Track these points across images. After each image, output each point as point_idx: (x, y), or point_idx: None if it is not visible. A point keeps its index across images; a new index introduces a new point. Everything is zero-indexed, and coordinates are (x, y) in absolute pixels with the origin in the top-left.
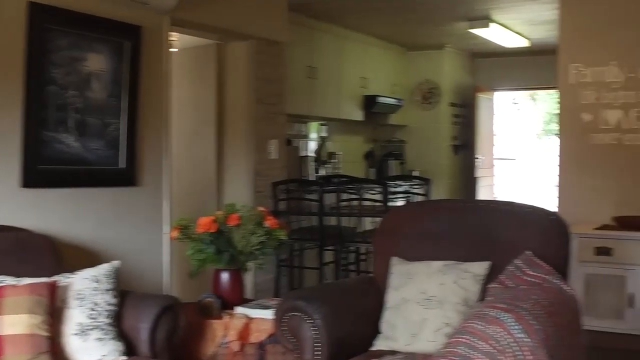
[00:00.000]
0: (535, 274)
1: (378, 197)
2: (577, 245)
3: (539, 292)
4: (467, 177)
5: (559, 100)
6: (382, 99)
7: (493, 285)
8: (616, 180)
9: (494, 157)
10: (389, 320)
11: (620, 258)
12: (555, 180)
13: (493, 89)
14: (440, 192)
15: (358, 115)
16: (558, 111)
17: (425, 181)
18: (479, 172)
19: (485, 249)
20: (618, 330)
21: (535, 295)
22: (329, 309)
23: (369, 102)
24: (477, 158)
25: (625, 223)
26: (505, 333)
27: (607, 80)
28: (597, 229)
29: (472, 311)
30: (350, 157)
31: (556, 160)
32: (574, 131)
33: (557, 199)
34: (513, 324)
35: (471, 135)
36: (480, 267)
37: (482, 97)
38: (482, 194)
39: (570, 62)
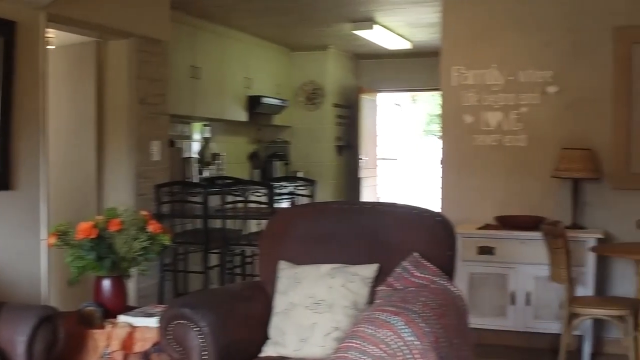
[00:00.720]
0: (422, 275)
1: (263, 199)
2: (461, 245)
3: (427, 294)
4: (351, 177)
5: (441, 101)
6: (266, 100)
7: (381, 287)
8: (497, 181)
9: (377, 157)
10: (277, 325)
11: (502, 257)
12: (438, 180)
13: (376, 90)
14: (325, 192)
15: (242, 115)
16: (440, 112)
17: (310, 182)
18: (363, 173)
19: (373, 251)
20: (501, 328)
21: (423, 297)
22: (215, 316)
23: (253, 103)
24: (360, 158)
25: (507, 222)
26: (396, 336)
27: (487, 82)
28: (479, 228)
29: (362, 315)
30: (234, 159)
31: (438, 161)
32: (456, 132)
33: (440, 199)
34: (403, 327)
35: (355, 136)
36: (369, 270)
37: (365, 98)
38: (366, 195)
39: (452, 64)
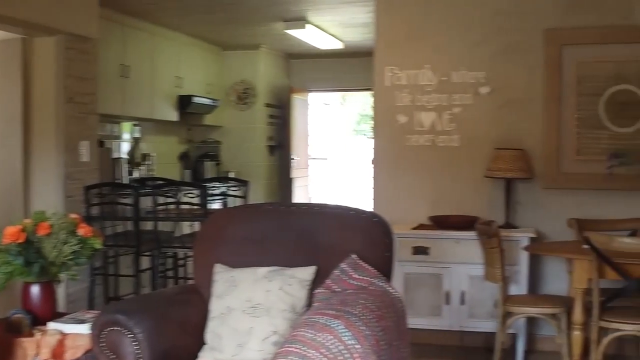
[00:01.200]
0: (361, 277)
1: (196, 200)
2: (398, 245)
3: (366, 296)
4: (283, 177)
5: (374, 101)
6: (197, 99)
7: (320, 290)
8: (431, 181)
9: (309, 157)
10: (214, 330)
11: (436, 257)
12: (369, 180)
13: (308, 89)
14: (257, 193)
15: (172, 115)
16: (372, 112)
17: (242, 183)
18: (295, 173)
19: (311, 253)
20: (436, 327)
21: (363, 300)
22: (150, 322)
23: (184, 102)
24: (292, 158)
25: (441, 222)
26: (336, 340)
27: (421, 83)
28: (414, 228)
29: (301, 319)
30: (164, 159)
31: (369, 161)
32: (389, 132)
33: (372, 199)
34: (343, 330)
35: (286, 136)
36: (306, 272)
37: (297, 98)
38: (298, 195)
39: (385, 64)
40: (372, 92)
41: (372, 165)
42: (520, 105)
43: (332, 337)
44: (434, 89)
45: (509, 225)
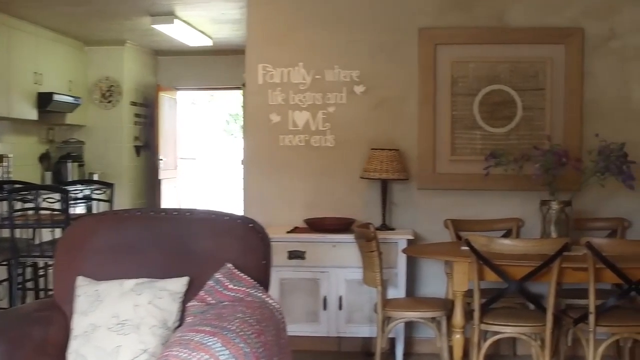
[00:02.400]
0: (237, 287)
1: (57, 205)
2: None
3: (243, 309)
4: (150, 178)
5: (246, 100)
6: (58, 97)
7: (193, 303)
8: (306, 182)
9: (178, 157)
10: (77, 350)
11: (313, 261)
12: (240, 181)
13: (176, 88)
14: (123, 195)
15: (31, 114)
16: (242, 111)
17: (107, 185)
18: (163, 174)
19: (183, 263)
20: (313, 333)
21: (240, 314)
22: (6, 344)
23: (44, 100)
24: (160, 159)
25: (316, 225)
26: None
27: (294, 81)
28: (289, 232)
29: (174, 336)
30: (23, 160)
31: (241, 162)
32: (261, 132)
33: (243, 202)
34: (220, 349)
35: (154, 136)
36: (178, 284)
37: (164, 97)
38: (167, 197)
39: (258, 62)
40: (242, 90)
41: (242, 166)
42: (395, 104)
43: (208, 356)
44: (308, 87)
45: (385, 227)
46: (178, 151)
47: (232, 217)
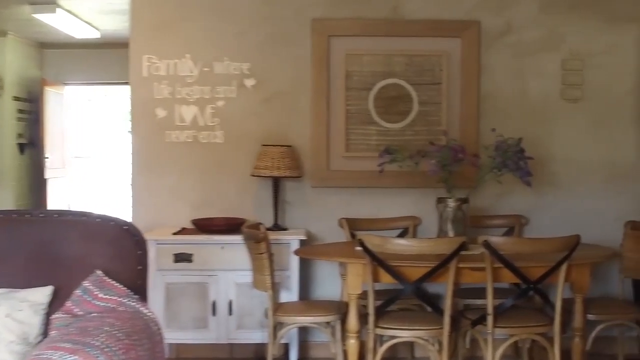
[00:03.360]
0: (108, 297)
1: None
2: (156, 253)
3: (112, 321)
4: (36, 178)
5: (131, 94)
6: None
7: (58, 315)
8: (194, 181)
9: (67, 156)
10: None
11: (201, 264)
12: (130, 181)
13: (63, 82)
14: (5, 196)
15: None
16: (130, 106)
17: None
18: (50, 173)
19: (48, 270)
20: (202, 341)
21: (108, 327)
22: None
23: None
24: (46, 157)
25: (204, 226)
26: None
27: (181, 74)
28: (175, 233)
29: (31, 355)
30: None
31: (130, 160)
32: (147, 128)
33: (132, 203)
34: None
35: (39, 133)
36: (41, 294)
37: (51, 92)
38: (54, 197)
39: (143, 53)
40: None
41: (131, 164)
42: (288, 99)
43: None
44: (196, 80)
45: (278, 227)
46: (67, 149)
47: (104, 219)
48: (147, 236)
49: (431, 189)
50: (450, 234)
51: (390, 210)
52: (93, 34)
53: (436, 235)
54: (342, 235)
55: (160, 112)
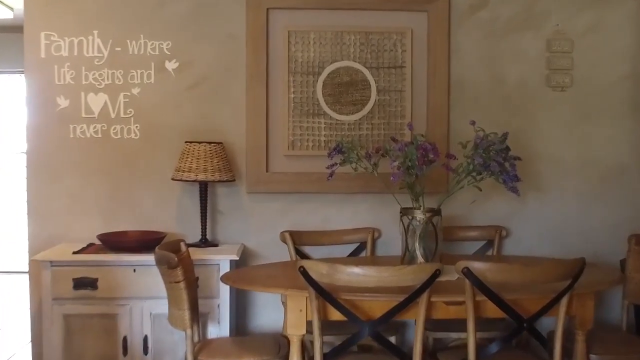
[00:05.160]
0: None
1: None
2: (52, 278)
3: None
4: None
5: (26, 79)
6: None
7: None
8: (103, 185)
9: None
10: None
11: (108, 291)
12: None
13: None
14: None
15: None
16: (25, 94)
17: None
18: None
19: None
20: None
21: None
22: None
23: None
24: None
25: (114, 242)
26: None
27: (88, 54)
28: (77, 252)
29: None
30: None
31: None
32: (46, 120)
33: (27, 212)
34: None
35: None
36: None
37: None
38: None
39: (40, 30)
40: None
41: (26, 166)
42: (218, 85)
43: None
44: (105, 62)
45: (206, 243)
46: None
47: None
48: (40, 256)
49: (391, 195)
50: (419, 252)
51: (342, 220)
52: (6, 14)
53: (401, 253)
54: (285, 251)
55: (62, 102)
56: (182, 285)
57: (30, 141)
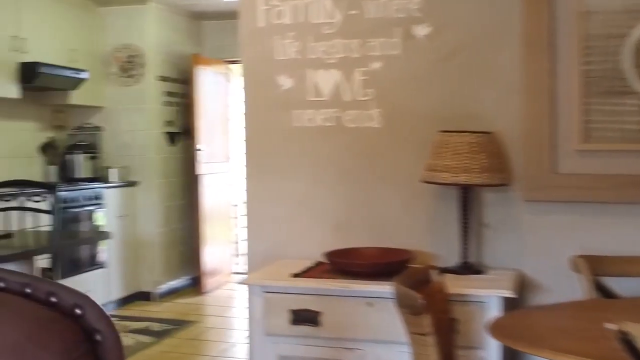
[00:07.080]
0: None
1: None
2: (264, 307)
3: None
4: (187, 174)
5: (242, 55)
6: (47, 69)
7: None
8: (333, 188)
9: (228, 149)
10: None
11: (334, 329)
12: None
13: (224, 59)
14: (150, 196)
15: (10, 90)
16: (244, 74)
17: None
18: (204, 168)
19: None
20: None
21: None
22: None
23: (28, 73)
24: (198, 149)
25: (343, 264)
26: None
27: (315, 21)
28: (297, 275)
29: None
30: (15, 151)
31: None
32: (264, 105)
33: (247, 219)
34: None
35: (190, 120)
36: None
37: (206, 70)
38: (209, 197)
39: None
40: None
41: (245, 166)
42: (481, 56)
43: None
44: (338, 30)
45: (468, 268)
46: (229, 141)
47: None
48: (251, 279)
49: None
50: None
51: None
52: None
53: None
54: (575, 282)
55: (285, 81)
56: (429, 340)
57: (247, 132)
